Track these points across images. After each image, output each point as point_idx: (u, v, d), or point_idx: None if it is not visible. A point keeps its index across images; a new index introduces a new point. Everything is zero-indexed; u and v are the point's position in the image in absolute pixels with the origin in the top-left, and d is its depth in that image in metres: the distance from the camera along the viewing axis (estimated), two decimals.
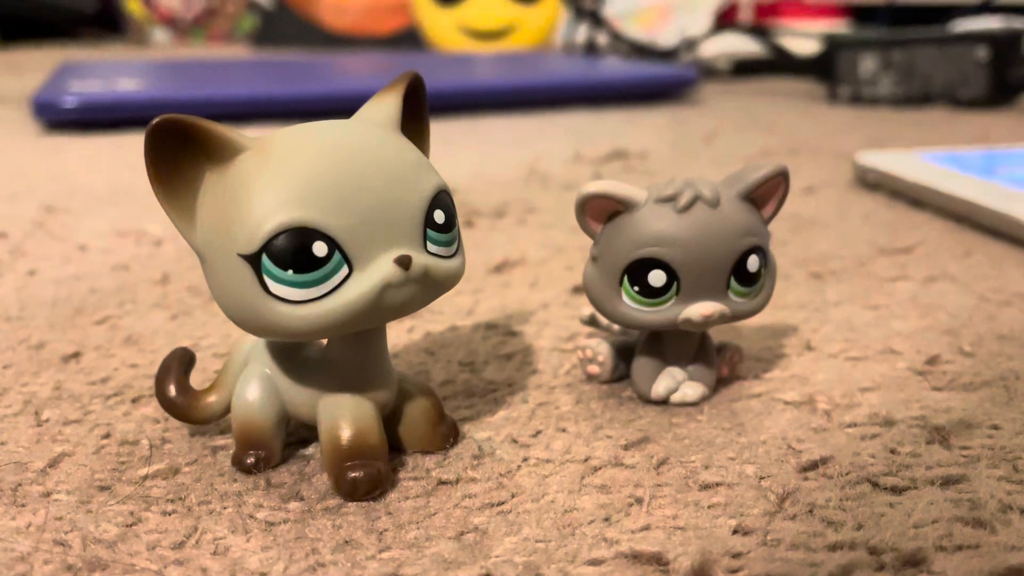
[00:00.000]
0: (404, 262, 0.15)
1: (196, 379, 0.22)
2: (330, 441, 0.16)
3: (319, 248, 0.15)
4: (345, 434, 0.16)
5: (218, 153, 0.15)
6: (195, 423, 0.19)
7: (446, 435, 0.18)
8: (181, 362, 0.19)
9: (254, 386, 0.17)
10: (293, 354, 0.17)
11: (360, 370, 0.17)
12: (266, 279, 0.15)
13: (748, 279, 0.19)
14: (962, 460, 0.17)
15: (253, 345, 0.18)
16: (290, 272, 0.15)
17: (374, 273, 0.15)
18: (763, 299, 0.19)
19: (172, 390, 0.18)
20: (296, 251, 0.14)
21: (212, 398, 0.19)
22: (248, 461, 0.17)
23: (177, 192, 0.15)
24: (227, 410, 0.18)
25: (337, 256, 0.15)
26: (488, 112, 0.67)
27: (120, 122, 0.58)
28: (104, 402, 0.21)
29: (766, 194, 0.19)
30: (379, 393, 0.17)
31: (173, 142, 0.15)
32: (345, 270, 0.15)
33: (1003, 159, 0.41)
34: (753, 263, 0.19)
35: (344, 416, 0.17)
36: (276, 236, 0.14)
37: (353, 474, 0.16)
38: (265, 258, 0.15)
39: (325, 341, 0.17)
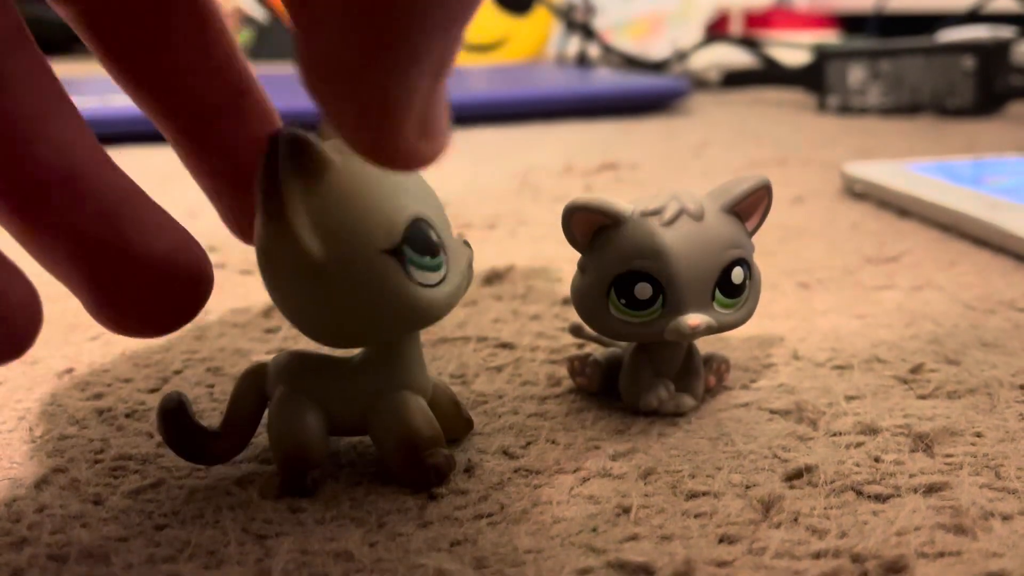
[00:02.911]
0: (467, 243, 0.18)
1: (193, 398, 0.22)
2: (401, 436, 0.17)
3: (433, 235, 0.16)
4: (415, 427, 0.17)
5: (322, 166, 0.16)
6: (217, 463, 0.18)
7: (467, 425, 0.19)
8: (183, 405, 0.18)
9: (296, 408, 0.17)
10: (334, 368, 0.18)
11: (408, 368, 0.18)
12: (411, 268, 0.16)
13: (733, 291, 0.19)
14: (945, 468, 0.18)
15: (272, 371, 0.18)
16: (427, 258, 0.16)
17: (462, 254, 0.17)
18: (748, 310, 0.20)
19: (187, 435, 0.18)
20: (426, 239, 0.16)
21: (231, 434, 0.18)
22: (308, 484, 0.17)
23: (297, 207, 0.15)
24: (246, 444, 0.18)
25: (440, 242, 0.17)
26: (481, 124, 0.67)
27: (115, 137, 0.59)
28: (98, 417, 0.21)
29: (750, 207, 0.19)
30: (423, 387, 0.18)
31: (300, 156, 0.15)
32: (443, 254, 0.17)
33: (990, 168, 0.41)
34: (738, 275, 0.19)
35: (407, 412, 0.17)
36: (409, 227, 0.16)
37: (433, 462, 0.17)
38: (407, 248, 0.16)
39: (360, 350, 0.18)
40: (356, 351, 0.18)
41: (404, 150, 0.13)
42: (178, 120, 0.18)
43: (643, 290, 0.19)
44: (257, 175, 0.15)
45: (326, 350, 0.18)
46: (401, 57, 0.12)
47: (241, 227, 0.19)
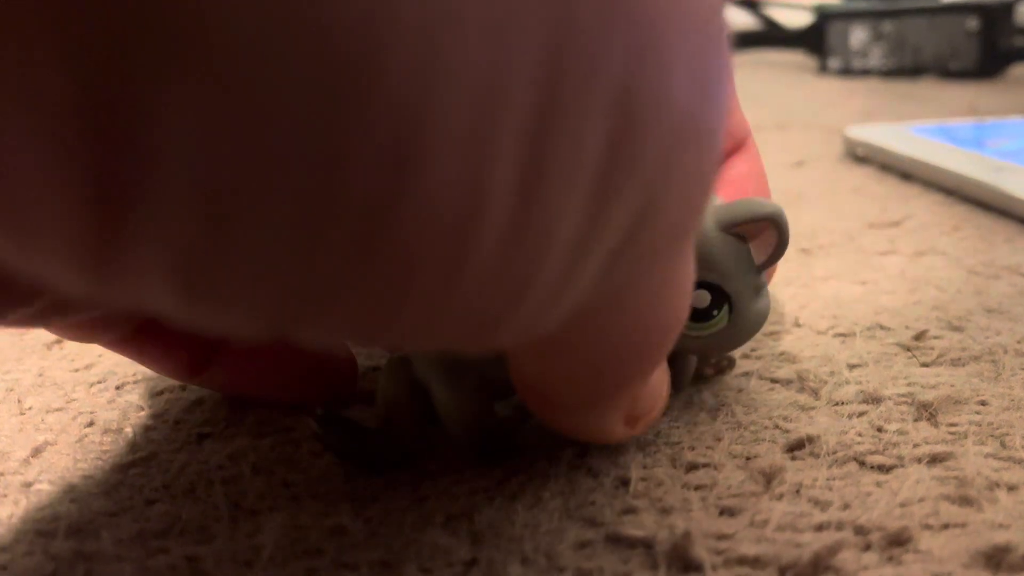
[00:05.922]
0: None
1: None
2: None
3: None
4: None
5: None
6: (394, 466, 0.17)
7: None
8: (337, 413, 0.17)
9: (465, 382, 0.17)
10: None
11: None
12: None
13: (695, 314, 0.17)
14: (949, 437, 0.17)
15: (419, 357, 0.17)
16: None
17: None
18: (723, 340, 0.17)
19: (353, 440, 0.17)
20: None
21: (397, 430, 0.17)
22: (498, 445, 0.17)
23: None
24: (414, 441, 0.18)
25: None
26: None
27: None
28: (88, 390, 0.20)
29: (754, 234, 0.17)
30: None
31: None
32: None
33: (992, 130, 0.41)
34: (700, 299, 0.16)
35: None
36: None
37: None
38: None
39: None
40: None
41: (612, 439, 0.16)
42: None
43: None
44: None
45: None
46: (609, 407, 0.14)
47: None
